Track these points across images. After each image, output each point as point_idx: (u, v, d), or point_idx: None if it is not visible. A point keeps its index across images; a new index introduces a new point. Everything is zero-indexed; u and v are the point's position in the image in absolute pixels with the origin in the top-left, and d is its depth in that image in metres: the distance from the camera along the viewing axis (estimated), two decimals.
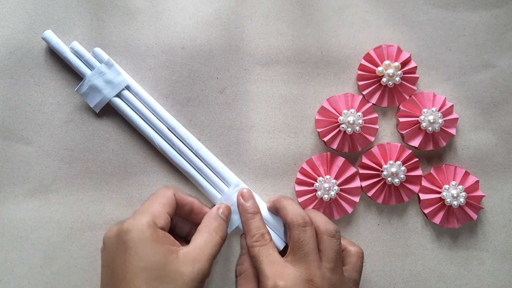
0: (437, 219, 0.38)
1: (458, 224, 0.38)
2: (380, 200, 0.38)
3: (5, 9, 0.39)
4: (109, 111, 0.39)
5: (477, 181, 0.38)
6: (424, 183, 0.38)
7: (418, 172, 0.38)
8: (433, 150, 0.39)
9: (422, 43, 0.40)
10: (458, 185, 0.37)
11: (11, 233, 0.38)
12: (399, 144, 0.38)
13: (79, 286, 0.37)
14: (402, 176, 0.37)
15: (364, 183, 0.38)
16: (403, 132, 0.38)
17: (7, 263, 0.37)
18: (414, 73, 0.39)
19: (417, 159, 0.38)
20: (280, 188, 0.39)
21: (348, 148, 0.38)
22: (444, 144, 0.38)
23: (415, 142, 0.38)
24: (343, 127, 0.37)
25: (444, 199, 0.37)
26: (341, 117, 0.37)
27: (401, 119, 0.38)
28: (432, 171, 0.38)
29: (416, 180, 0.38)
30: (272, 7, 0.40)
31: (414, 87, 0.38)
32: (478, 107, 0.39)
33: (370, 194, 0.38)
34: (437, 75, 0.40)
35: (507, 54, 0.40)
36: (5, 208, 0.38)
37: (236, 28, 0.39)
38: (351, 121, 0.37)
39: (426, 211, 0.38)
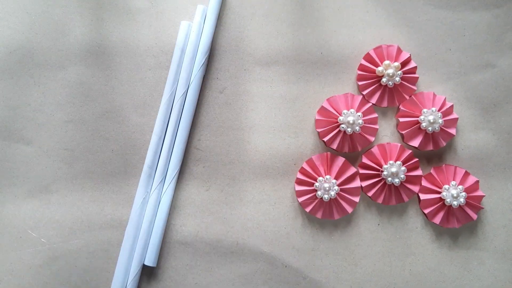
0: (437, 219, 0.38)
1: (458, 224, 0.38)
2: (380, 200, 0.38)
3: (5, 9, 0.39)
4: (110, 111, 0.39)
5: (477, 181, 0.38)
6: (424, 183, 0.38)
7: (418, 172, 0.38)
8: (433, 150, 0.39)
9: (422, 43, 0.40)
10: (458, 185, 0.37)
11: (11, 233, 0.38)
12: (399, 144, 0.38)
13: (79, 287, 0.37)
14: (402, 176, 0.37)
15: (364, 183, 0.38)
16: (403, 132, 0.38)
17: (7, 263, 0.37)
18: (414, 73, 0.39)
19: (417, 159, 0.38)
20: (280, 188, 0.39)
21: (348, 148, 0.38)
22: (444, 144, 0.38)
23: (415, 142, 0.38)
24: (343, 127, 0.37)
25: (444, 199, 0.37)
26: (341, 117, 0.37)
27: (401, 119, 0.38)
28: (432, 171, 0.38)
29: (416, 180, 0.38)
30: (272, 7, 0.40)
31: (414, 87, 0.38)
32: (478, 107, 0.39)
33: (370, 194, 0.38)
34: (437, 75, 0.40)
35: (507, 54, 0.40)
36: (5, 208, 0.38)
37: (236, 28, 0.39)
38: (351, 121, 0.37)
39: (426, 211, 0.38)
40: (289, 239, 0.38)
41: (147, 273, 0.38)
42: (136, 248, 0.37)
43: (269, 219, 0.39)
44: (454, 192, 0.37)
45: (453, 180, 0.38)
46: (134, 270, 0.37)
